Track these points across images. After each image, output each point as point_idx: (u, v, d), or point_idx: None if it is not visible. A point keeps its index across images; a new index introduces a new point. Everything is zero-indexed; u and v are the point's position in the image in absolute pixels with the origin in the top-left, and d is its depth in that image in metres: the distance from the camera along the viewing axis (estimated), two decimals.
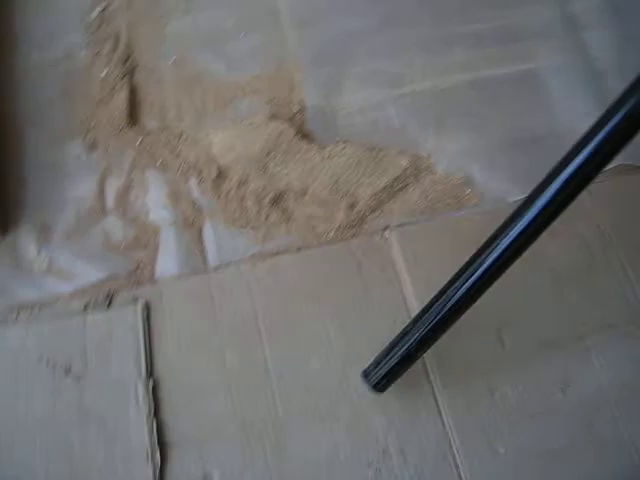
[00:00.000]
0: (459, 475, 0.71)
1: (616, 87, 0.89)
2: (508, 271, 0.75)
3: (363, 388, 0.72)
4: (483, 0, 0.93)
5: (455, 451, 0.71)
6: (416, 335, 0.66)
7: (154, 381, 0.73)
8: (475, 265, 0.63)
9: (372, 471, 0.71)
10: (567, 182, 0.54)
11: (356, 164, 0.82)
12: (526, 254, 0.77)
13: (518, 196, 0.83)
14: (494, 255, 0.62)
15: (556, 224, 0.78)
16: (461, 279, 0.64)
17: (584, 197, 0.84)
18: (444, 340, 0.72)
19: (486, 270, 0.63)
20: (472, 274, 0.63)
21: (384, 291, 0.78)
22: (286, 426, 0.72)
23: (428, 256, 0.79)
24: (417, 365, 0.74)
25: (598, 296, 0.80)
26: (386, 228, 0.81)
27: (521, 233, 0.62)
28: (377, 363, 0.70)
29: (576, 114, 0.90)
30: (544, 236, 0.77)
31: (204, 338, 0.75)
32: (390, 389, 0.72)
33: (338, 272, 0.78)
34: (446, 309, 0.64)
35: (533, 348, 0.76)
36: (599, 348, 0.77)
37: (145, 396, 0.72)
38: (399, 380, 0.72)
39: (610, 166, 0.83)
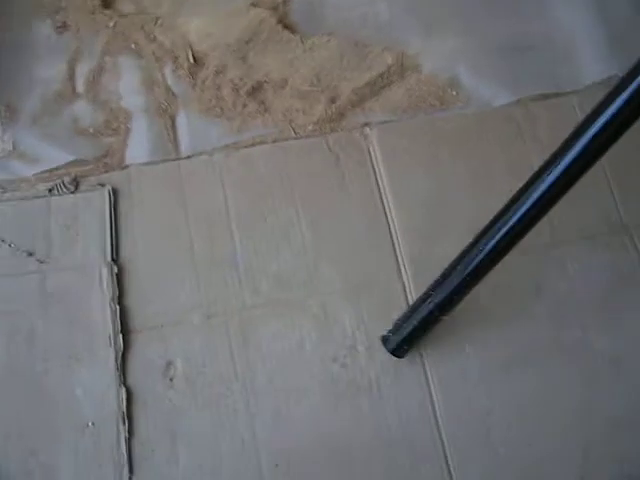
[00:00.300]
0: (424, 372, 0.70)
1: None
2: (491, 174, 0.74)
3: (333, 283, 0.70)
4: None
5: (422, 348, 0.70)
6: (440, 296, 0.62)
7: (119, 267, 0.71)
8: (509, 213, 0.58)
9: (338, 365, 0.70)
10: None
11: (340, 58, 0.79)
12: (513, 159, 0.75)
13: (505, 101, 0.80)
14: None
15: (543, 130, 0.76)
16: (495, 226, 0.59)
17: (574, 106, 0.82)
18: (420, 238, 0.71)
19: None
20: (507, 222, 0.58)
21: (361, 186, 0.76)
22: (253, 317, 0.71)
23: (407, 154, 0.77)
24: (390, 263, 0.72)
25: (581, 207, 0.78)
26: (366, 124, 0.78)
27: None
28: (397, 327, 0.68)
29: (574, 23, 0.86)
30: (531, 143, 0.76)
31: (173, 226, 0.73)
32: (359, 282, 0.70)
33: (314, 166, 0.76)
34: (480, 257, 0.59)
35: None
36: (575, 257, 0.76)
37: (109, 281, 0.70)
38: (372, 275, 0.71)
39: (604, 76, 0.81)
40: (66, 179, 0.74)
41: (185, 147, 0.76)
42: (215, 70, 0.77)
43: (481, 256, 0.59)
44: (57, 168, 0.75)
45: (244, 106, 0.77)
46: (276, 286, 0.72)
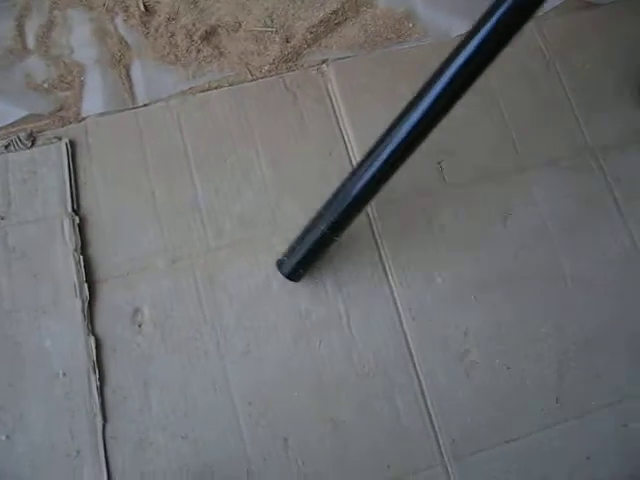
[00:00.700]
0: (395, 303, 0.69)
1: None
2: None
3: (296, 218, 0.70)
4: None
5: (391, 280, 0.70)
6: (332, 216, 0.62)
7: (81, 218, 0.71)
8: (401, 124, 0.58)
9: (305, 302, 0.69)
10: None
11: None
12: (473, 87, 0.74)
13: (461, 31, 0.79)
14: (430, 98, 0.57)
15: (503, 57, 0.75)
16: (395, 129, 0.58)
17: (533, 32, 0.81)
18: None
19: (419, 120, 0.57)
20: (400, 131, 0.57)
21: (320, 124, 0.75)
22: (218, 258, 0.70)
23: (366, 89, 0.76)
24: None
25: (545, 132, 0.78)
26: (323, 62, 0.77)
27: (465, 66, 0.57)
28: (291, 250, 0.67)
29: None
30: (489, 69, 0.74)
31: (132, 173, 0.72)
32: None
33: (272, 105, 0.75)
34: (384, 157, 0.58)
35: (474, 179, 0.75)
36: (542, 181, 0.75)
37: (71, 232, 0.70)
38: None
39: (560, 1, 0.80)
40: (22, 134, 0.73)
41: (141, 96, 0.75)
42: (167, 17, 0.76)
43: (367, 177, 0.58)
44: (12, 124, 0.74)
45: (198, 51, 0.76)
46: (239, 226, 0.71)
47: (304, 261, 0.66)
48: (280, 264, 0.68)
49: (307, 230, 0.65)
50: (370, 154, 0.57)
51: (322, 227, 0.62)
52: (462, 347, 0.69)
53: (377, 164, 0.57)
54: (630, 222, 0.75)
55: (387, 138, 0.57)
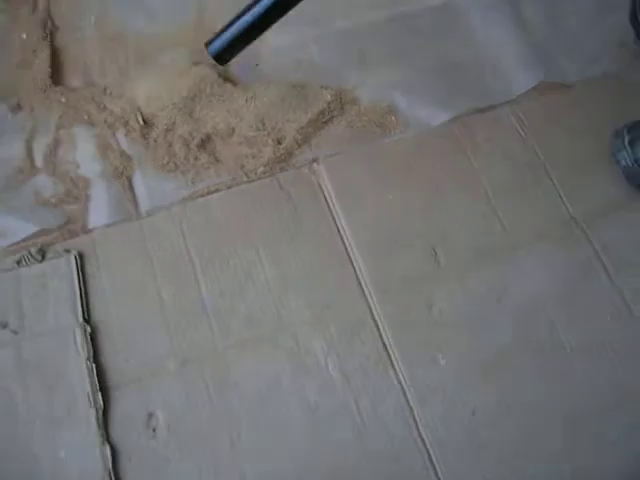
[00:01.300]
0: (402, 388, 0.71)
1: (532, 14, 0.91)
2: (440, 191, 0.77)
3: (301, 314, 0.73)
4: None
5: (396, 366, 0.72)
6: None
7: (92, 326, 0.73)
8: None
9: (315, 395, 0.71)
10: None
11: (281, 101, 0.83)
12: (458, 173, 0.79)
13: (442, 120, 0.84)
14: None
15: (483, 142, 0.80)
16: None
17: (509, 115, 0.86)
18: (379, 259, 0.73)
19: None
20: None
21: (315, 219, 0.79)
22: (226, 358, 0.72)
23: (357, 183, 0.80)
24: (353, 287, 0.75)
25: (529, 208, 0.81)
26: (314, 160, 0.82)
27: None
28: (220, 33, 0.72)
29: (498, 41, 0.91)
30: (474, 156, 0.79)
31: (139, 280, 0.76)
32: (326, 310, 0.73)
33: (269, 205, 0.79)
34: None
35: (468, 261, 0.78)
36: (533, 256, 0.79)
37: (83, 341, 0.72)
38: (337, 301, 0.73)
39: (532, 84, 0.85)
40: (32, 249, 0.77)
41: (144, 205, 0.79)
42: (165, 128, 0.81)
43: None
44: (23, 240, 0.77)
45: (196, 159, 0.80)
46: (246, 326, 0.74)
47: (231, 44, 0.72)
48: (208, 44, 0.74)
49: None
50: None
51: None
52: (471, 426, 0.70)
53: None
54: (621, 287, 0.77)
55: None
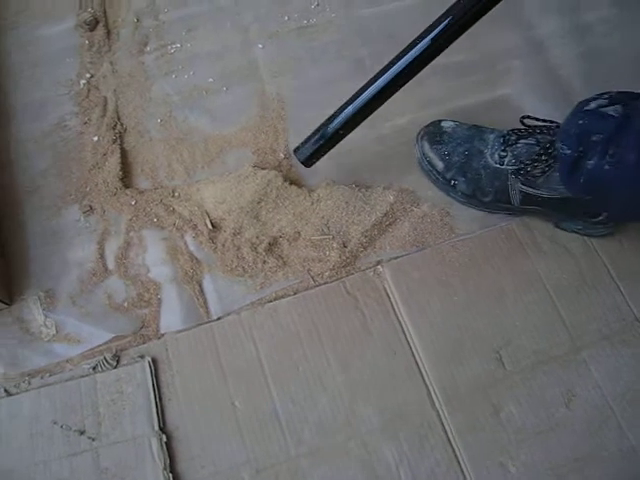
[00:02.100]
0: None
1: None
2: (503, 292, 0.78)
3: (371, 421, 0.74)
4: None
5: (467, 474, 0.73)
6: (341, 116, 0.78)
7: (167, 434, 0.75)
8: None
9: None
10: None
11: (345, 204, 0.85)
12: (520, 273, 0.80)
13: (498, 224, 0.86)
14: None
15: (544, 241, 0.81)
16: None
17: None
18: (445, 363, 0.75)
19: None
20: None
21: (382, 324, 0.80)
22: (300, 466, 0.74)
23: (421, 286, 0.82)
24: (421, 393, 0.76)
25: (592, 308, 0.82)
26: (378, 263, 0.84)
27: None
28: (306, 140, 0.81)
29: None
30: (535, 255, 0.80)
31: (212, 387, 0.77)
32: (395, 416, 0.74)
33: (336, 310, 0.81)
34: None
35: (533, 365, 0.79)
36: (597, 359, 0.79)
37: (159, 450, 0.74)
38: (406, 407, 0.74)
39: None
40: (107, 355, 0.79)
41: (214, 309, 0.81)
42: (233, 232, 0.84)
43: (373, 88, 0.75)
44: (98, 346, 0.80)
45: (264, 262, 0.82)
46: (318, 433, 0.75)
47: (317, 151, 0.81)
48: (296, 150, 0.83)
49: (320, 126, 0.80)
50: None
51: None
52: None
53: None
54: None
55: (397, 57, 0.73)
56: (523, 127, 0.81)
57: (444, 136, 0.86)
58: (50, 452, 0.75)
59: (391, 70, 0.73)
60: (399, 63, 0.72)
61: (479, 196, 0.84)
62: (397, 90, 0.75)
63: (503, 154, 0.81)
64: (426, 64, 0.72)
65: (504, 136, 0.82)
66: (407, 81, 0.74)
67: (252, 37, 1.01)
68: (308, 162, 0.83)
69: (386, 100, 0.76)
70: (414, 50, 0.71)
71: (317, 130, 0.81)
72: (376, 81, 0.74)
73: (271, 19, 1.03)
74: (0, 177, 0.91)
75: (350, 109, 0.76)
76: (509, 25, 1.00)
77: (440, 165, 0.85)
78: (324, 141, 0.80)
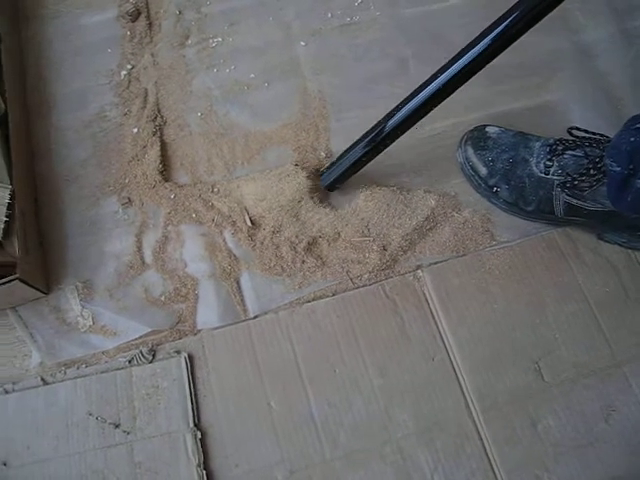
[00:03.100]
0: None
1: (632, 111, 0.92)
2: (543, 302, 0.77)
3: (407, 426, 0.73)
4: None
5: None
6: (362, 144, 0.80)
7: (202, 431, 0.75)
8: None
9: None
10: None
11: (386, 206, 0.85)
12: (561, 283, 0.79)
13: (539, 232, 0.85)
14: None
15: (586, 252, 0.80)
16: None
17: None
18: (483, 372, 0.74)
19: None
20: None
21: (420, 329, 0.79)
22: (334, 469, 0.73)
23: (461, 293, 0.81)
24: (459, 401, 0.75)
25: (633, 323, 0.81)
26: (418, 267, 0.83)
27: None
28: (330, 166, 0.84)
29: None
30: (576, 266, 0.79)
31: (248, 386, 0.77)
32: (432, 423, 0.73)
33: (374, 313, 0.80)
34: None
35: (572, 378, 0.78)
36: (638, 374, 0.78)
37: (194, 447, 0.74)
38: (443, 415, 0.74)
39: None
40: (144, 349, 0.79)
41: (252, 307, 0.81)
42: (272, 230, 0.83)
43: (398, 117, 0.75)
44: (134, 339, 0.80)
45: (303, 262, 0.82)
46: (353, 436, 0.75)
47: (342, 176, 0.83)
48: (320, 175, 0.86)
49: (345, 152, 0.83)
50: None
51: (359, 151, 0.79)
52: None
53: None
54: None
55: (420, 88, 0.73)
56: (571, 138, 0.80)
57: (489, 142, 0.84)
58: (85, 443, 0.75)
59: (419, 96, 0.73)
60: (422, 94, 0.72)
61: (521, 204, 0.82)
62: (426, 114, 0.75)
63: (549, 164, 0.79)
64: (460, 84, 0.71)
65: (550, 145, 0.80)
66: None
67: (294, 33, 1.00)
68: (331, 187, 0.86)
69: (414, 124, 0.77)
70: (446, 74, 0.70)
71: (341, 156, 0.82)
72: (407, 104, 0.74)
73: (314, 16, 1.02)
74: (40, 166, 0.91)
75: (373, 136, 0.78)
76: (556, 29, 0.98)
77: (483, 171, 0.84)
78: (347, 168, 0.82)
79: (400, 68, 0.96)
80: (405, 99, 0.74)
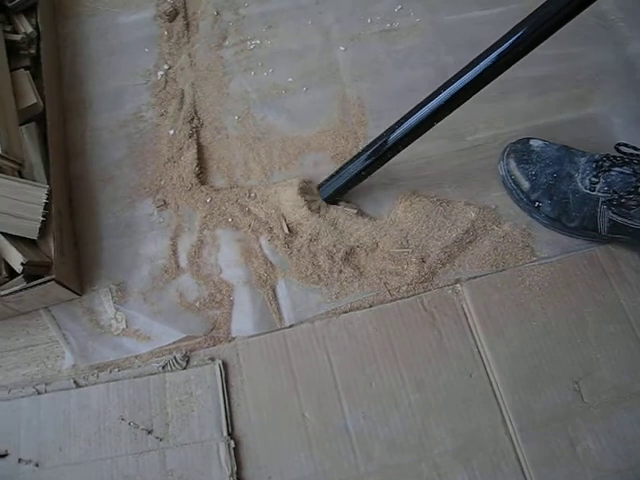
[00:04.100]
0: None
1: None
2: (584, 320, 0.76)
3: (443, 443, 0.72)
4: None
5: None
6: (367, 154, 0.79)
7: (235, 440, 0.74)
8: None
9: None
10: None
11: (425, 217, 0.83)
12: (602, 302, 0.78)
13: (587, 248, 0.83)
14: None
15: (629, 271, 0.78)
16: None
17: None
18: (521, 391, 0.72)
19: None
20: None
21: (458, 344, 0.78)
22: None
23: (500, 308, 0.80)
24: (496, 419, 0.74)
25: None
26: (457, 281, 0.82)
27: None
28: (330, 178, 0.83)
29: None
30: (618, 285, 0.78)
31: (282, 396, 0.76)
32: (468, 441, 0.72)
33: (412, 326, 0.79)
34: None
35: (613, 400, 0.76)
36: None
37: (227, 457, 0.73)
38: (480, 432, 0.72)
39: None
40: (178, 355, 0.78)
41: (287, 316, 0.80)
42: (309, 238, 0.82)
43: (400, 131, 0.75)
44: (168, 344, 0.79)
45: (340, 272, 0.81)
46: (388, 451, 0.74)
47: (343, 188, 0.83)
48: (319, 187, 0.85)
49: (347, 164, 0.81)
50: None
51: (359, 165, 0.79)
52: None
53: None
54: None
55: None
56: (618, 154, 0.78)
57: (532, 155, 0.83)
58: (117, 448, 0.75)
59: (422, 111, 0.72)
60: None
61: (564, 220, 0.81)
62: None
63: (595, 180, 0.78)
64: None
65: (597, 161, 0.79)
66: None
67: (333, 38, 0.99)
68: (331, 200, 0.85)
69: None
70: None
71: (341, 169, 0.82)
72: (409, 119, 0.74)
73: (353, 21, 1.00)
74: (74, 165, 0.91)
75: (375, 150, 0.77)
76: (601, 40, 0.97)
77: (526, 185, 0.82)
78: (347, 180, 0.81)
79: (440, 76, 0.93)
80: (408, 113, 0.74)
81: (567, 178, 0.81)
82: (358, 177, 0.80)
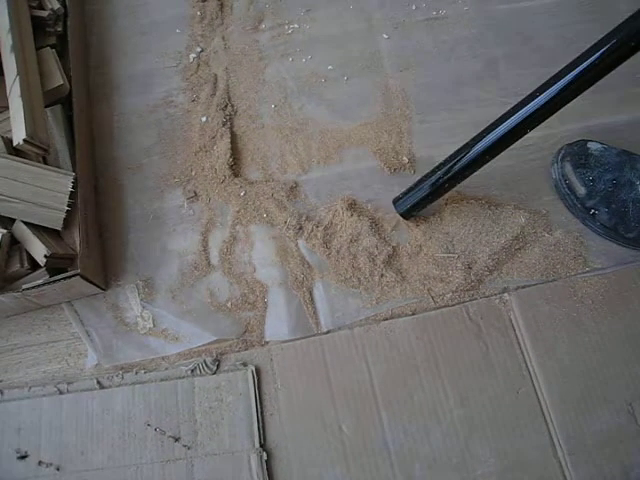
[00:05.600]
0: None
1: None
2: (639, 340, 0.71)
3: (487, 463, 0.68)
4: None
5: None
6: (445, 169, 0.72)
7: (267, 452, 0.70)
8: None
9: None
10: None
11: (473, 221, 0.79)
12: None
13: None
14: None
15: None
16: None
17: None
18: (572, 411, 0.68)
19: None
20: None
21: (505, 358, 0.74)
22: None
23: (550, 321, 0.75)
24: (544, 439, 0.70)
25: None
26: (505, 290, 0.77)
27: None
28: (407, 191, 0.77)
29: None
30: None
31: (318, 406, 0.72)
32: (514, 462, 0.68)
33: (456, 337, 0.74)
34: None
35: None
36: None
37: (259, 469, 0.69)
38: (526, 453, 0.68)
39: None
40: (208, 359, 0.74)
41: (325, 321, 0.75)
42: (349, 239, 0.77)
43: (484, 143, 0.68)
44: (197, 346, 0.75)
45: (381, 276, 0.76)
46: (430, 469, 0.70)
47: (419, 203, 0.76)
48: (395, 201, 0.79)
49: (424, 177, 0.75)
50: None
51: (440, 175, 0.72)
52: None
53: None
54: None
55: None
56: None
57: (590, 159, 0.78)
58: (142, 455, 0.71)
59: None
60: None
61: (621, 230, 0.76)
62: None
63: None
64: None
65: None
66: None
67: (376, 25, 0.93)
68: (407, 215, 0.79)
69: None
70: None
71: (420, 181, 0.75)
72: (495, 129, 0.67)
73: (397, 7, 0.95)
74: (100, 151, 0.86)
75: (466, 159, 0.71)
76: None
77: (581, 191, 0.77)
78: (427, 194, 0.75)
79: (489, 70, 0.89)
80: (498, 120, 0.68)
81: (628, 186, 0.75)
82: (439, 191, 0.75)
